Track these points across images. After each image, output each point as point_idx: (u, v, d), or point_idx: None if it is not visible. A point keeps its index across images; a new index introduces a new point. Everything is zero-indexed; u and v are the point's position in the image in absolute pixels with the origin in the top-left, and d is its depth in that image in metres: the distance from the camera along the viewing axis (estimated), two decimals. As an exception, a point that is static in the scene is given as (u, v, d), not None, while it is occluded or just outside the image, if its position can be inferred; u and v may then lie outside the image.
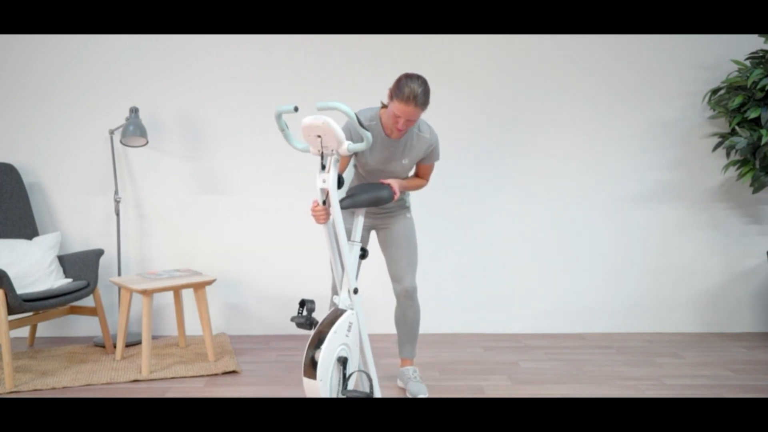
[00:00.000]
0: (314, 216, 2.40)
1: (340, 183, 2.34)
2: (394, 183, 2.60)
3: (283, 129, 2.42)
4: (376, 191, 2.50)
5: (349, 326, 2.39)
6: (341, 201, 2.42)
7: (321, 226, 3.83)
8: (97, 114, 3.85)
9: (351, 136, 2.64)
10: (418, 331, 2.93)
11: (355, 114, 2.25)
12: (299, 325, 2.40)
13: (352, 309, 2.44)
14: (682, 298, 3.92)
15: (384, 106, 2.65)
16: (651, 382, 3.05)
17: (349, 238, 2.76)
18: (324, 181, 2.32)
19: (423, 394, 2.81)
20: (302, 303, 2.42)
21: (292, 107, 2.28)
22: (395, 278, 2.82)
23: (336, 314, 2.38)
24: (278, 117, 2.37)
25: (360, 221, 2.56)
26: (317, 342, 2.28)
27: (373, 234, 3.90)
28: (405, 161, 2.68)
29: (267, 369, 3.28)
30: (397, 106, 2.46)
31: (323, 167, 2.32)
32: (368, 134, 2.28)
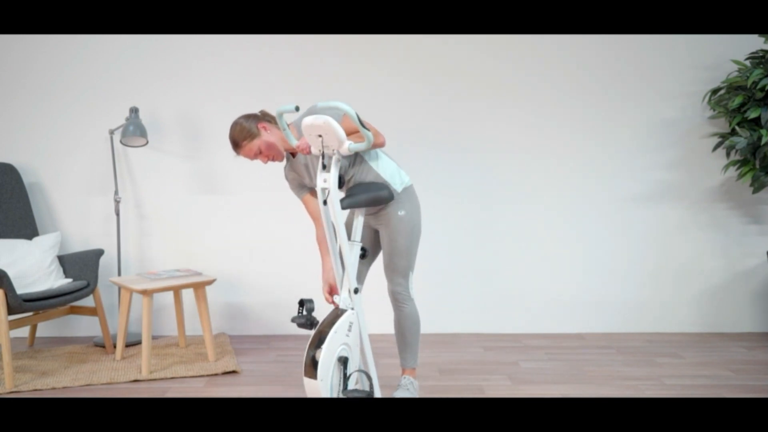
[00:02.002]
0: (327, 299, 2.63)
1: (341, 183, 2.33)
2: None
3: (284, 129, 2.42)
4: (376, 191, 2.50)
5: (350, 326, 2.39)
6: (341, 201, 2.41)
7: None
8: (97, 114, 3.85)
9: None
10: (415, 339, 2.75)
11: (356, 114, 2.25)
12: (300, 325, 2.40)
13: (352, 309, 2.44)
14: (682, 298, 3.92)
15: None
16: (651, 382, 3.05)
17: (349, 237, 2.74)
18: (325, 181, 2.31)
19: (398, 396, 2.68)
20: (301, 303, 2.42)
21: (292, 107, 2.28)
22: (387, 278, 2.72)
23: (336, 314, 2.38)
24: (279, 116, 2.37)
25: (360, 221, 2.55)
26: (318, 342, 2.28)
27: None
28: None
29: (267, 369, 3.28)
30: (244, 157, 2.70)
31: (324, 167, 2.32)
32: (369, 134, 2.28)
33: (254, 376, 3.16)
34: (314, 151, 2.34)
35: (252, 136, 2.56)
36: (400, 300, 2.70)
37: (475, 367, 3.29)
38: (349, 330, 2.39)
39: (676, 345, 3.66)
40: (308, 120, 2.24)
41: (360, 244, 2.54)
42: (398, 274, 2.67)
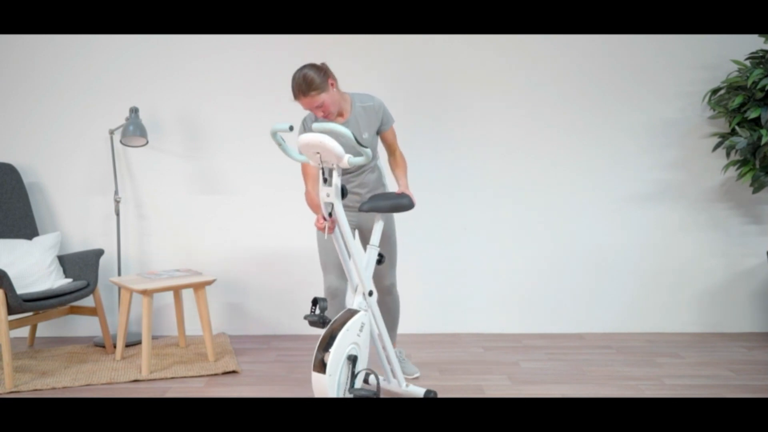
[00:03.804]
0: (320, 230, 2.50)
1: (344, 193, 2.38)
2: (405, 189, 2.75)
3: (280, 144, 2.43)
4: (397, 199, 2.60)
5: (362, 326, 2.45)
6: (362, 205, 2.55)
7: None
8: (97, 114, 3.85)
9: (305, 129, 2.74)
10: (399, 318, 3.10)
11: (352, 133, 2.30)
12: (312, 323, 2.45)
13: (366, 310, 2.52)
14: (682, 298, 3.92)
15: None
16: (651, 382, 3.05)
17: (367, 242, 2.93)
18: (328, 195, 2.38)
19: (417, 374, 2.96)
20: (314, 301, 2.48)
21: (287, 126, 2.29)
22: (377, 276, 2.92)
23: (350, 314, 2.45)
24: (274, 134, 2.40)
25: (380, 225, 2.68)
26: (329, 339, 2.34)
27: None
28: (365, 135, 2.73)
29: (267, 369, 3.28)
30: (301, 104, 2.63)
31: (325, 181, 2.37)
32: (368, 151, 2.34)
33: (254, 376, 3.16)
34: (313, 164, 2.40)
35: (323, 89, 2.57)
36: (393, 290, 2.97)
37: (475, 367, 3.29)
38: (360, 330, 2.45)
39: (676, 345, 3.66)
40: (305, 138, 2.27)
41: (378, 249, 2.65)
42: (393, 267, 2.94)
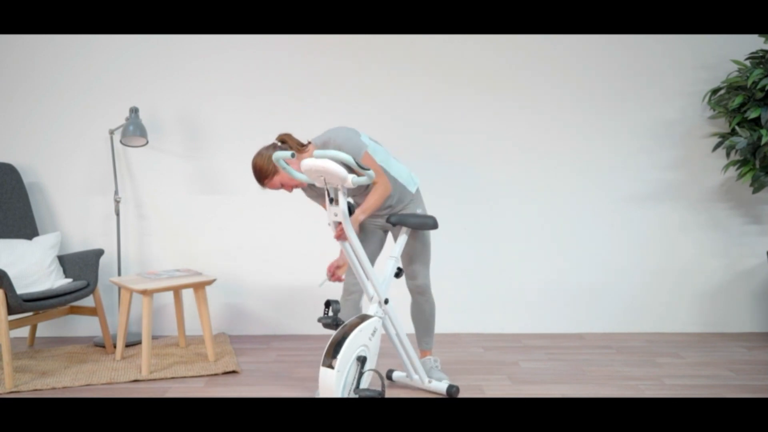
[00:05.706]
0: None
1: (351, 210, 2.46)
2: (360, 213, 2.64)
3: (284, 168, 2.53)
4: (423, 218, 2.75)
5: (374, 331, 2.53)
6: (389, 217, 2.70)
7: (326, 226, 3.87)
8: (97, 114, 3.85)
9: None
10: (434, 323, 3.02)
11: (353, 158, 2.36)
12: (326, 326, 2.53)
13: (380, 317, 2.60)
14: (682, 298, 3.92)
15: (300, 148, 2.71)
16: (651, 382, 3.05)
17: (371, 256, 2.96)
18: (336, 215, 2.45)
19: (446, 381, 2.89)
20: (327, 304, 2.54)
21: (289, 154, 2.41)
22: (409, 276, 2.92)
23: (363, 318, 2.52)
24: (277, 161, 2.49)
25: (403, 239, 2.75)
26: (341, 338, 2.41)
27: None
28: None
29: (267, 369, 3.28)
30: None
31: (331, 200, 2.44)
32: (371, 173, 2.40)
33: (254, 376, 3.16)
34: (318, 186, 2.48)
35: (271, 173, 2.64)
36: (426, 291, 2.93)
37: (475, 367, 3.29)
38: (372, 335, 2.52)
39: (676, 345, 3.66)
40: (308, 164, 2.36)
41: (398, 261, 2.75)
42: (425, 268, 2.90)
